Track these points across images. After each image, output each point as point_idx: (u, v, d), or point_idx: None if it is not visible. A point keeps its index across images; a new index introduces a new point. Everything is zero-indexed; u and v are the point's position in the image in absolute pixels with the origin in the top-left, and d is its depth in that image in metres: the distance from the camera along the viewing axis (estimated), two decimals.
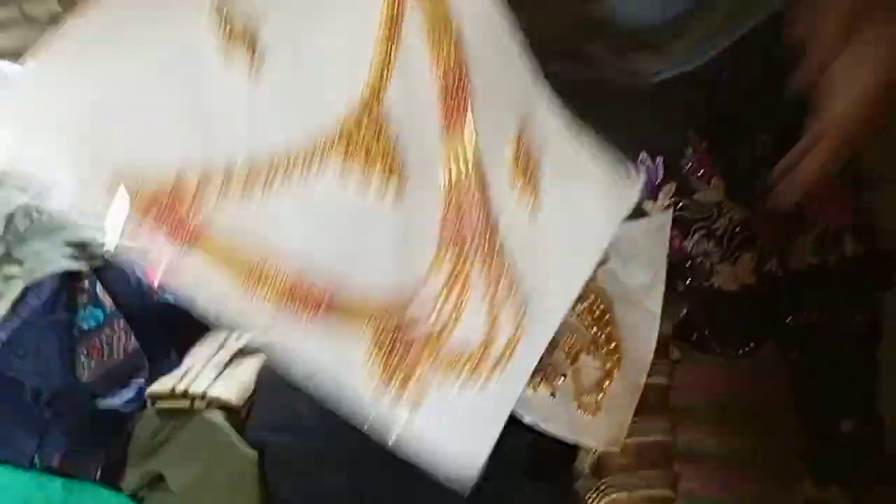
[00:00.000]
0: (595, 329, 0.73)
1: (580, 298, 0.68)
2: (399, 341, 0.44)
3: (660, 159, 0.74)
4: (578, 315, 0.72)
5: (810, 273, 0.76)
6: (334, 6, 0.41)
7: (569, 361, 0.72)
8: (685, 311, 0.76)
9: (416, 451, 0.45)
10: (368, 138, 0.41)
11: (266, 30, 0.38)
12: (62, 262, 0.75)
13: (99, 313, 0.76)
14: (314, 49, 0.40)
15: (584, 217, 0.53)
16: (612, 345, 0.73)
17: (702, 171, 0.74)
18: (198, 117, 0.38)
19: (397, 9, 0.41)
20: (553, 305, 0.52)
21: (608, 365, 0.72)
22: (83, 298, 0.75)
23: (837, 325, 0.76)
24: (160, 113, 0.37)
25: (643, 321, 0.72)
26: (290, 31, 0.40)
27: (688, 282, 0.75)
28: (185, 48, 0.37)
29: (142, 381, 0.84)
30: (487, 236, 0.46)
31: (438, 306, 0.45)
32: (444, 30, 0.42)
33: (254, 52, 0.38)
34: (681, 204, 0.74)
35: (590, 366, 0.72)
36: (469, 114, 0.44)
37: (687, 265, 0.75)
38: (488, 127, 0.45)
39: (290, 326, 0.40)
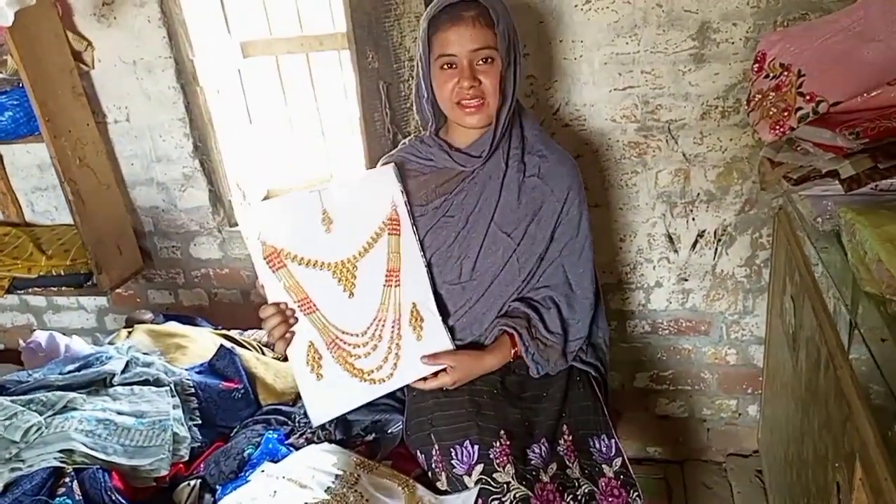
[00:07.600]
0: None
1: None
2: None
3: (475, 447, 1.13)
4: None
5: None
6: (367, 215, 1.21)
7: None
8: None
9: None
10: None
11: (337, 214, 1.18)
12: (53, 462, 1.06)
13: (69, 502, 1.03)
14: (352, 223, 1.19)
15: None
16: None
17: (501, 458, 1.13)
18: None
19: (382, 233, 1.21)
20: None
21: None
22: (61, 490, 1.04)
23: None
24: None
25: None
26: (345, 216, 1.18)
27: None
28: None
29: None
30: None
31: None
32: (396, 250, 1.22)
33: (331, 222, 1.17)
34: (486, 479, 1.11)
35: None
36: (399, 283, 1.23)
37: None
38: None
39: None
